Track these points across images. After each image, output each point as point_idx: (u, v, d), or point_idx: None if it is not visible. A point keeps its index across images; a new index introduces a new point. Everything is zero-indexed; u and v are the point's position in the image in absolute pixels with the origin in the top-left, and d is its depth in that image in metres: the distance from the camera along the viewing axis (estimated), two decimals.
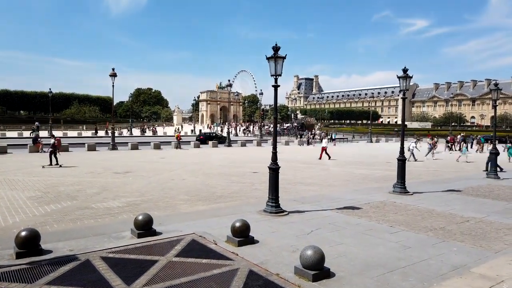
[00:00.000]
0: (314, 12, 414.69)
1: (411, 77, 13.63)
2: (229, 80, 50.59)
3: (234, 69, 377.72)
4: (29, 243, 6.49)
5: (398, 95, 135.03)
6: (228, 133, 42.37)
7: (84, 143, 32.52)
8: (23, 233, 6.52)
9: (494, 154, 18.83)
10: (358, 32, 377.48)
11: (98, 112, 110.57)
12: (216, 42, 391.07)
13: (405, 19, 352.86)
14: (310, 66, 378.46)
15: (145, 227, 7.76)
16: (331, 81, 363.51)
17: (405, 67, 13.51)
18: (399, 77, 13.68)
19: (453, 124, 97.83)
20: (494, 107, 19.73)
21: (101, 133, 60.34)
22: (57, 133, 56.12)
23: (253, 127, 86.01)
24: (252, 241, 7.47)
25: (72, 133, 59.32)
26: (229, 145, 38.87)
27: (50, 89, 54.98)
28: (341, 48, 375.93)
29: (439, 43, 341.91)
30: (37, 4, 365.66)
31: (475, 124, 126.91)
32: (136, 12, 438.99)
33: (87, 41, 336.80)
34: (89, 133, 60.81)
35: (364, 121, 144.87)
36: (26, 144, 29.54)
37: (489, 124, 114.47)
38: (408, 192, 13.55)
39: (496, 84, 18.82)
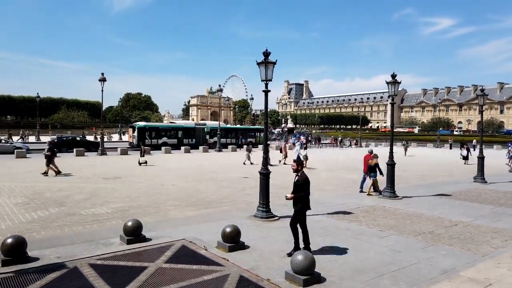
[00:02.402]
0: (323, 9, 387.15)
1: (400, 83, 13.80)
2: (219, 85, 50.44)
3: (232, 71, 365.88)
4: (15, 251, 6.36)
5: (387, 101, 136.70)
6: (219, 138, 42.27)
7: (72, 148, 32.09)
8: (9, 240, 6.39)
9: (481, 158, 19.13)
10: (372, 32, 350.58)
11: (87, 117, 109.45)
12: (214, 42, 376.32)
13: (428, 18, 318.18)
14: (313, 68, 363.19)
15: (134, 233, 7.68)
16: (334, 85, 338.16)
17: (393, 73, 13.69)
18: (387, 83, 13.85)
19: (440, 129, 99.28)
20: (481, 112, 20.10)
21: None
22: (45, 138, 55.36)
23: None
24: (242, 246, 7.45)
25: None
26: (220, 150, 38.78)
27: (38, 93, 54.27)
28: (350, 49, 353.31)
29: (459, 44, 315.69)
30: (23, 1, 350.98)
31: (466, 129, 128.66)
32: (130, 12, 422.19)
33: (77, 41, 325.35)
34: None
35: (354, 126, 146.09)
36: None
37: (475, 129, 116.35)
38: (398, 196, 13.67)
39: (482, 90, 19.17)
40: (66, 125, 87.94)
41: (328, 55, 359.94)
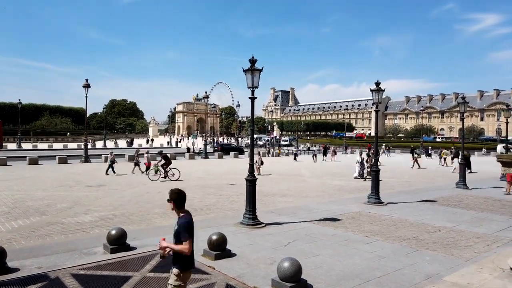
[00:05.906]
0: (338, 6, 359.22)
1: (384, 90, 14.06)
2: (206, 92, 50.39)
3: (226, 73, 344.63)
4: None
5: (372, 108, 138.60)
6: (205, 145, 42.10)
7: (55, 156, 31.49)
8: None
9: (463, 164, 19.54)
10: (391, 30, 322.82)
11: (70, 124, 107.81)
12: (209, 41, 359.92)
13: (473, 14, 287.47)
14: (317, 71, 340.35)
15: (118, 242, 7.54)
16: (340, 90, 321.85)
17: (377, 81, 13.93)
18: (372, 90, 14.08)
19: (423, 135, 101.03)
20: (462, 119, 20.57)
21: (73, 145, 58.78)
22: (27, 146, 54.17)
23: (230, 139, 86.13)
24: (229, 254, 7.39)
25: (42, 145, 57.49)
26: (206, 157, 38.60)
27: (19, 100, 53.11)
28: (360, 49, 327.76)
29: (495, 45, 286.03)
30: None
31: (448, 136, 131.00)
32: (119, 9, 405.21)
33: (61, 41, 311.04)
34: (60, 145, 59.06)
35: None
36: None
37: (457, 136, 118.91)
38: (382, 202, 13.82)
39: (463, 98, 19.65)
40: (48, 132, 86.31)
41: (335, 57, 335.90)
